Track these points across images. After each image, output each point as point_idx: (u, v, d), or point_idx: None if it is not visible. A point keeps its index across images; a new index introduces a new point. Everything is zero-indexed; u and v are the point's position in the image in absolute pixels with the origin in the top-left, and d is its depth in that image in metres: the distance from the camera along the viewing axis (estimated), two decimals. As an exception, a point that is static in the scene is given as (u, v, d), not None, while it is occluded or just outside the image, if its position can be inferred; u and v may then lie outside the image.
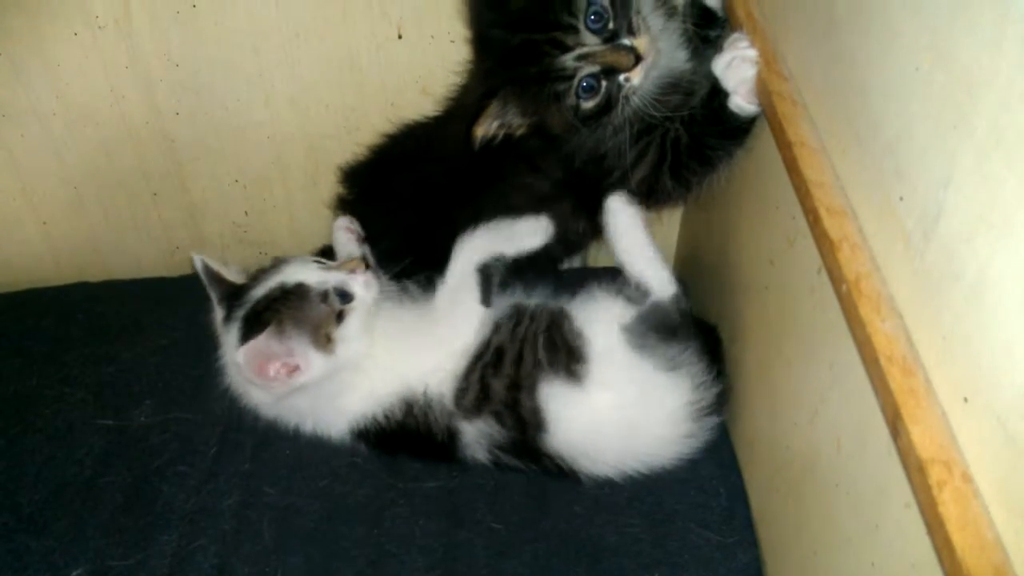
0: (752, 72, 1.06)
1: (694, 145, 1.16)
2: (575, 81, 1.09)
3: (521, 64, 1.10)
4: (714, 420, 1.19)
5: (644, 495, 1.18)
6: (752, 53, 1.06)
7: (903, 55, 0.75)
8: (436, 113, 1.37)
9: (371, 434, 1.20)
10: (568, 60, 1.08)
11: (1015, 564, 0.58)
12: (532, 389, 1.15)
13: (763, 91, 1.04)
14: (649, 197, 1.24)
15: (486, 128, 1.13)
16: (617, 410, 1.15)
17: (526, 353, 1.17)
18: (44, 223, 1.57)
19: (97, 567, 1.11)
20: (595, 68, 1.09)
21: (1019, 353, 0.59)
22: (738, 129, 1.13)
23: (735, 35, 1.10)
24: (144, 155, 1.51)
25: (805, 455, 0.98)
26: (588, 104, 1.12)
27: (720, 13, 1.19)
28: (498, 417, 1.15)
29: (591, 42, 1.08)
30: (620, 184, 1.21)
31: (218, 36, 1.38)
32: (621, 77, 1.10)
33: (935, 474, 0.63)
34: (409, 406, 1.18)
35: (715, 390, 1.17)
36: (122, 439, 1.27)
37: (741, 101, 1.09)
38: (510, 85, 1.12)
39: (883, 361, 0.70)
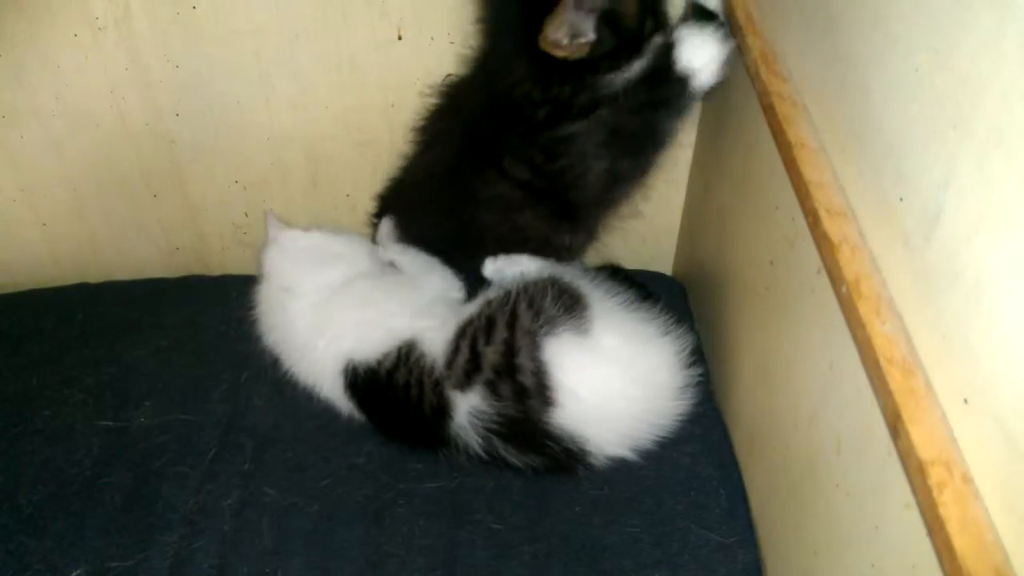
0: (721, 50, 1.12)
1: (646, 128, 1.18)
2: None
3: None
4: (698, 371, 1.22)
5: (644, 495, 1.18)
6: (719, 33, 1.12)
7: (902, 56, 0.75)
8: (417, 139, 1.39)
9: (360, 381, 1.23)
10: None
11: (1015, 566, 0.58)
12: (533, 349, 1.13)
13: (763, 92, 1.04)
14: (615, 186, 1.25)
15: (558, 29, 1.07)
16: (624, 358, 1.16)
17: (521, 312, 1.16)
18: (44, 224, 1.57)
19: (96, 568, 1.11)
20: None
21: (1019, 354, 0.59)
22: (684, 105, 1.17)
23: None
24: (144, 156, 1.51)
25: (805, 456, 0.98)
26: None
27: (721, 15, 1.19)
28: (492, 387, 1.13)
29: None
30: (578, 186, 1.22)
31: (218, 37, 1.38)
32: None
33: (935, 475, 0.63)
34: (404, 354, 1.20)
35: (690, 340, 1.22)
36: (122, 440, 1.27)
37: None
38: None
39: (883, 362, 0.70)
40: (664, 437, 1.20)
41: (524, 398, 1.13)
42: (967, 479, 0.62)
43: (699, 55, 1.11)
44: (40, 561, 1.12)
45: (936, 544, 0.62)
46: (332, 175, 1.56)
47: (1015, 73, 0.58)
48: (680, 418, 1.21)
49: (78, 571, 1.11)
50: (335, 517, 1.17)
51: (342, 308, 1.28)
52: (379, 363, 1.21)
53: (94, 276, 1.58)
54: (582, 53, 1.08)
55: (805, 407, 0.98)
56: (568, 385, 1.13)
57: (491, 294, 1.23)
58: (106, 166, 1.51)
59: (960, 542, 0.59)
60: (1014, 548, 0.59)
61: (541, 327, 1.14)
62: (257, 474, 1.22)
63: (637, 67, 1.15)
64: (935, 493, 0.62)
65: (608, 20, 1.08)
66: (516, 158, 1.22)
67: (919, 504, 0.65)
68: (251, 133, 1.50)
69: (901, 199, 0.75)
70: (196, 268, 1.65)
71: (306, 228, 1.40)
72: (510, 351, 1.14)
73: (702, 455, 1.22)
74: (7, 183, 1.51)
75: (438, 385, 1.17)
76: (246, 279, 1.43)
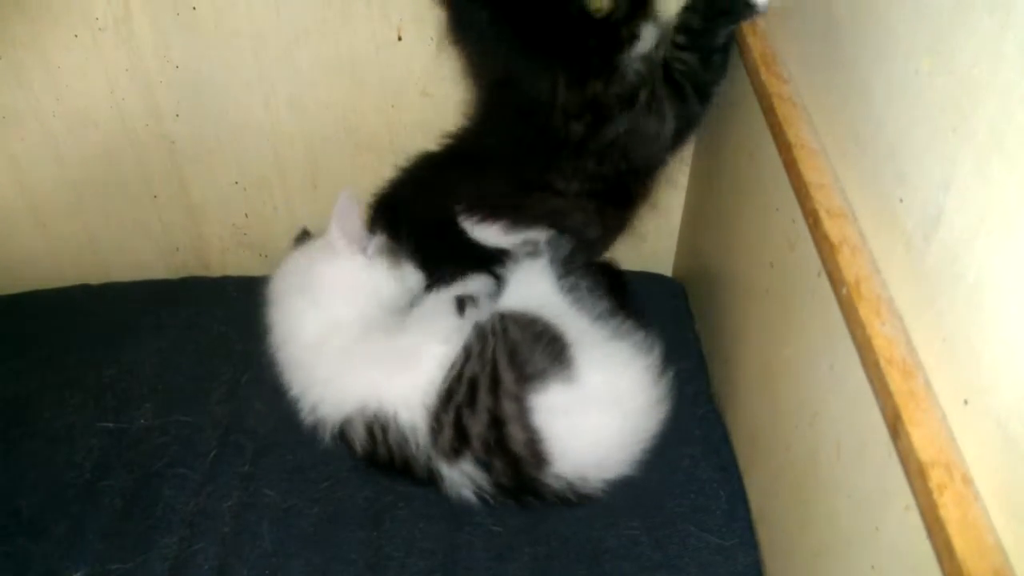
0: None
1: (705, 59, 1.16)
2: None
3: None
4: (668, 377, 1.18)
5: (644, 498, 1.17)
6: None
7: (903, 58, 0.75)
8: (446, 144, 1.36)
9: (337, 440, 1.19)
10: None
11: (1015, 568, 0.58)
12: (522, 416, 1.07)
13: (763, 93, 1.04)
14: (685, 135, 1.24)
15: None
16: (612, 394, 1.13)
17: (503, 371, 1.09)
18: (44, 225, 1.58)
19: (97, 570, 1.11)
20: None
21: (1019, 356, 0.59)
22: (736, 14, 1.13)
23: None
24: (144, 157, 1.51)
25: (805, 457, 0.98)
26: None
27: None
28: (483, 465, 1.09)
29: None
30: (659, 154, 1.23)
31: (218, 38, 1.38)
32: None
33: (935, 477, 0.62)
34: (377, 430, 1.14)
35: (656, 350, 1.18)
36: (122, 442, 1.27)
37: None
38: None
39: (883, 363, 0.70)
40: (665, 439, 1.20)
41: (519, 467, 1.09)
42: (967, 481, 0.62)
43: None
44: (40, 564, 1.12)
45: (936, 546, 0.62)
46: (332, 176, 1.56)
47: (1015, 76, 0.58)
48: (673, 421, 1.19)
49: (78, 574, 1.10)
50: (335, 519, 1.17)
51: (328, 352, 1.20)
52: (344, 434, 1.16)
53: (94, 277, 1.58)
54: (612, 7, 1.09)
55: (805, 409, 0.98)
56: (561, 438, 1.08)
57: (468, 340, 1.15)
58: (106, 167, 1.51)
59: (960, 544, 0.59)
60: (1014, 550, 0.59)
61: (526, 387, 1.08)
62: (257, 476, 1.22)
63: (649, 38, 1.15)
64: (935, 495, 0.62)
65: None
66: (566, 175, 1.24)
67: (919, 506, 0.65)
68: (251, 134, 1.50)
69: (901, 200, 0.75)
70: (196, 269, 1.65)
71: (370, 247, 1.26)
72: (497, 422, 1.08)
73: (702, 457, 1.22)
74: (7, 184, 1.51)
75: (427, 459, 1.12)
76: (246, 280, 1.43)
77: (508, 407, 1.08)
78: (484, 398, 1.09)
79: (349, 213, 1.23)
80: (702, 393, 1.31)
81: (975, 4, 0.63)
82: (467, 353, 1.13)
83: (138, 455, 1.25)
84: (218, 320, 1.46)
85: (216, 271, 1.65)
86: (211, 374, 1.37)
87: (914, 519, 0.68)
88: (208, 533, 1.15)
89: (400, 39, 1.40)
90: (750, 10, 1.12)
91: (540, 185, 1.26)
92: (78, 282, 1.57)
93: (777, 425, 1.09)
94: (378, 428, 1.14)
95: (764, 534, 1.13)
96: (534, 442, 1.08)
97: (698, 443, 1.24)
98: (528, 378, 1.09)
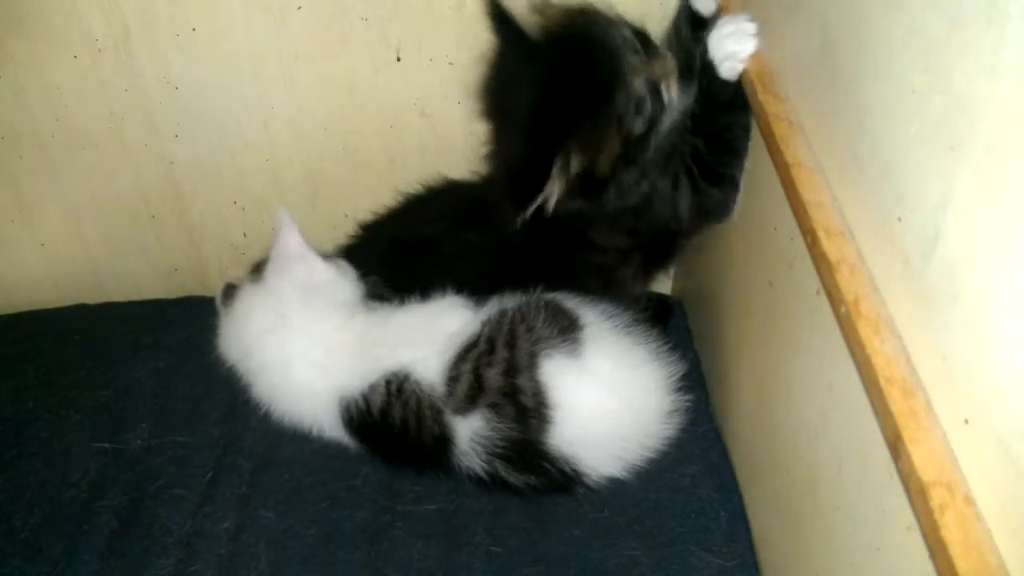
0: (751, 46, 1.08)
1: (712, 141, 1.17)
2: (632, 100, 1.11)
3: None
4: (688, 398, 1.21)
5: (644, 518, 1.17)
6: (751, 27, 1.08)
7: (899, 77, 0.75)
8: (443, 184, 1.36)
9: (354, 419, 1.21)
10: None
11: (1018, 589, 0.58)
12: (532, 369, 1.13)
13: (759, 113, 1.04)
14: (707, 216, 1.26)
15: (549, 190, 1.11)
16: (615, 381, 1.16)
17: (520, 333, 1.16)
18: (42, 245, 1.57)
19: (92, 592, 1.10)
20: (642, 84, 1.11)
21: (1019, 375, 0.59)
22: (735, 98, 1.13)
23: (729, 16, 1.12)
24: (143, 177, 1.51)
25: (805, 477, 0.98)
26: (638, 125, 1.13)
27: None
28: (496, 409, 1.13)
29: (632, 60, 1.11)
30: (676, 223, 1.24)
31: (218, 59, 1.38)
32: (663, 89, 1.13)
33: (937, 497, 0.62)
34: (395, 389, 1.18)
35: (681, 366, 1.21)
36: (118, 462, 1.26)
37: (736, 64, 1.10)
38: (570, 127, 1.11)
39: (883, 382, 0.70)
40: (664, 458, 1.20)
41: (525, 418, 1.13)
42: (969, 501, 0.62)
43: (720, 47, 1.10)
44: (35, 585, 1.11)
45: (938, 567, 0.61)
46: (330, 196, 1.56)
47: (1012, 93, 0.58)
48: (672, 440, 1.21)
49: (73, 595, 1.10)
50: (332, 540, 1.16)
51: (330, 341, 1.25)
52: (368, 400, 1.19)
53: (92, 297, 1.58)
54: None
55: (805, 428, 0.98)
56: (563, 404, 1.12)
57: (488, 314, 1.22)
58: (105, 187, 1.51)
59: (963, 565, 0.58)
60: (1018, 571, 0.58)
61: (536, 346, 1.14)
62: (254, 497, 1.22)
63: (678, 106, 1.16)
64: (937, 515, 0.61)
65: (580, 179, 1.14)
66: (603, 232, 1.25)
67: (921, 526, 0.65)
68: (250, 154, 1.50)
69: (900, 219, 0.74)
70: (194, 289, 1.64)
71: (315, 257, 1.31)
72: (511, 370, 1.14)
73: (702, 477, 1.22)
74: (6, 204, 1.52)
75: (439, 414, 1.16)
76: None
77: (522, 359, 1.14)
78: (501, 350, 1.16)
79: (293, 226, 1.30)
80: (701, 412, 1.31)
81: (969, 22, 0.63)
82: (486, 321, 1.20)
83: (135, 476, 1.24)
84: (216, 340, 1.46)
85: (214, 291, 1.63)
86: (209, 394, 1.37)
87: (915, 540, 0.67)
88: (205, 554, 1.14)
89: (399, 60, 1.40)
90: (744, 105, 1.12)
91: (580, 244, 1.26)
92: (76, 302, 1.57)
93: (777, 444, 1.08)
94: (396, 384, 1.18)
95: (764, 554, 1.12)
96: (539, 394, 1.12)
97: (698, 462, 1.23)
98: (538, 340, 1.15)
